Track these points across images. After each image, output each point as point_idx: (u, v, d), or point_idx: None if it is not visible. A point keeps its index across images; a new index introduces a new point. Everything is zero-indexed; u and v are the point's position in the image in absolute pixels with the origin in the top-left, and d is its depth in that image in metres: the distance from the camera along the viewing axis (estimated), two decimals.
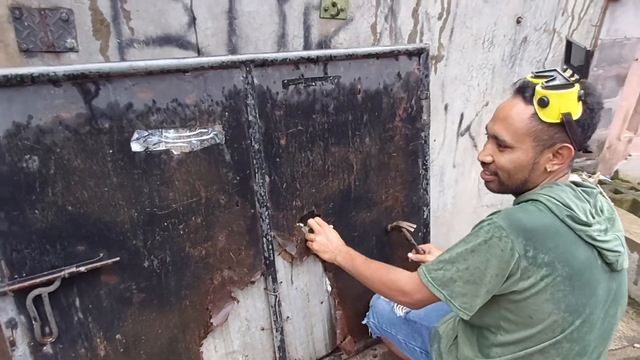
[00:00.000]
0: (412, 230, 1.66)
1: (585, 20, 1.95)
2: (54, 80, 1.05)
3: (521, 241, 0.99)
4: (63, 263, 1.14)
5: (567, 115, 1.02)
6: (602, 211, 1.10)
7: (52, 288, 1.11)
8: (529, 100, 1.06)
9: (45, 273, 1.11)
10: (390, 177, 1.71)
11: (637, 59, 2.83)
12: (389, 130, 1.65)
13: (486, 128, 1.18)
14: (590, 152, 1.09)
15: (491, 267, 1.03)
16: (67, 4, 1.19)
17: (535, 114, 1.05)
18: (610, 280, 1.08)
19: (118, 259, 1.19)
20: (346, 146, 1.56)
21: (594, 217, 1.06)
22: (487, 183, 1.20)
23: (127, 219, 1.21)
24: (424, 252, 1.66)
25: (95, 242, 1.18)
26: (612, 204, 1.20)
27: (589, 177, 2.86)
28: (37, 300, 1.11)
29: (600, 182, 2.89)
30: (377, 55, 1.52)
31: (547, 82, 1.04)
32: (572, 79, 1.04)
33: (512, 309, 1.07)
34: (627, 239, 2.18)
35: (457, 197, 2.11)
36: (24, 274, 1.10)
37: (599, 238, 1.02)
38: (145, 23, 1.28)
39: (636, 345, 1.94)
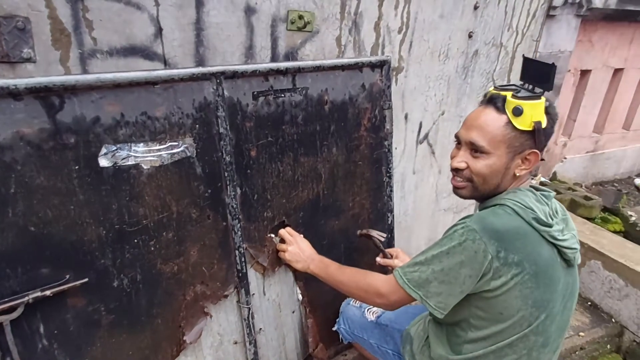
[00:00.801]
0: (383, 239, 1.71)
1: (528, 35, 2.11)
2: (14, 94, 0.99)
3: (493, 243, 1.06)
4: (26, 288, 1.07)
5: (537, 124, 1.11)
6: (557, 212, 1.21)
7: (14, 315, 1.04)
8: (501, 110, 1.13)
9: (6, 300, 1.03)
10: (357, 185, 1.75)
11: (569, 70, 3.10)
12: (355, 140, 1.69)
13: (456, 136, 1.23)
14: (543, 159, 1.19)
15: (465, 268, 1.09)
16: (24, 12, 1.12)
17: (509, 122, 1.12)
18: (567, 275, 1.18)
19: (86, 280, 1.14)
20: (315, 156, 1.58)
21: (552, 219, 1.15)
22: (458, 190, 1.24)
23: (95, 238, 1.15)
24: (392, 257, 1.71)
25: (60, 264, 1.11)
26: (563, 205, 1.32)
27: (532, 178, 3.08)
28: None
29: (542, 184, 3.12)
30: (342, 67, 1.57)
31: (516, 93, 1.13)
32: (538, 91, 1.14)
33: (483, 306, 1.14)
34: None
35: (417, 202, 2.20)
36: None
37: (559, 237, 1.12)
38: (109, 33, 1.23)
39: (581, 333, 2.11)
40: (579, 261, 1.23)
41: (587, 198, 2.83)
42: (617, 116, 3.55)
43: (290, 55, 1.55)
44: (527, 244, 1.09)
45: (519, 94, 1.13)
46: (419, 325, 1.45)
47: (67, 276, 1.12)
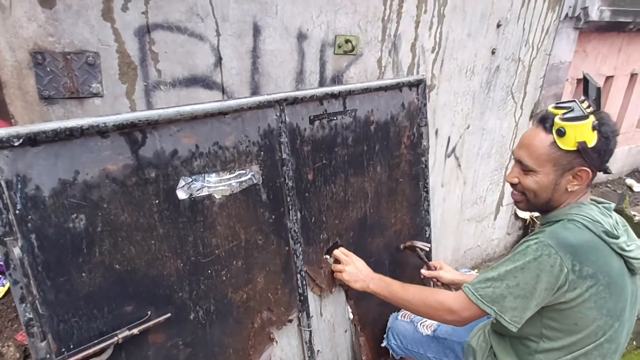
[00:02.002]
0: (427, 249, 1.75)
1: (542, 50, 2.22)
2: (102, 132, 0.98)
3: (569, 257, 1.11)
4: (111, 328, 1.04)
5: (582, 144, 1.16)
6: (618, 224, 1.26)
7: (104, 357, 1.01)
8: (549, 130, 1.19)
9: (96, 342, 1.01)
10: (398, 201, 1.79)
11: (567, 80, 3.24)
12: (396, 157, 1.73)
13: (512, 153, 1.30)
14: (610, 172, 1.24)
15: (541, 282, 1.13)
16: (94, 47, 1.12)
17: (554, 142, 1.18)
18: (632, 283, 1.24)
19: (169, 315, 1.12)
20: (362, 176, 1.61)
21: (617, 231, 1.21)
22: (517, 203, 1.32)
23: (174, 271, 1.14)
24: (435, 269, 1.74)
25: (142, 300, 1.09)
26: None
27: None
28: None
29: None
30: (385, 88, 1.60)
31: (564, 114, 1.18)
32: (588, 110, 1.20)
33: (557, 317, 1.18)
34: None
35: (445, 214, 2.24)
36: (72, 346, 0.99)
37: (626, 248, 1.17)
38: (172, 65, 1.24)
39: None
40: None
41: None
42: None
43: (337, 79, 1.58)
44: (599, 256, 1.14)
45: (567, 115, 1.17)
46: (479, 337, 1.47)
47: (149, 312, 1.11)
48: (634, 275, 1.24)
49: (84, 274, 0.99)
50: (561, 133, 1.15)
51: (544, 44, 2.21)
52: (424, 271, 1.75)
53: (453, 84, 1.92)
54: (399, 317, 1.74)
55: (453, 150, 2.10)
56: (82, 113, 1.15)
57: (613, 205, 1.28)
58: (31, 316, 0.90)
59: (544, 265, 1.12)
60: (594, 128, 1.13)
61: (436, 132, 1.98)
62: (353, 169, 1.56)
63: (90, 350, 0.99)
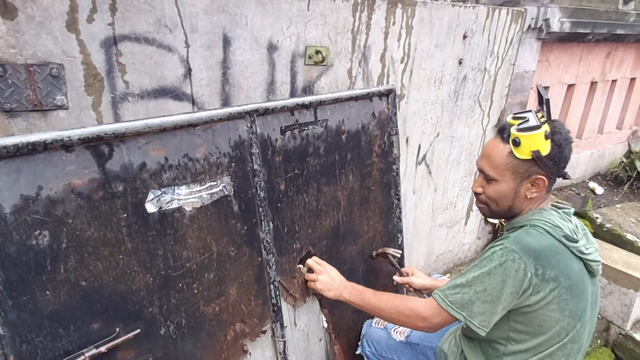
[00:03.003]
0: (399, 256, 1.77)
1: (506, 60, 2.30)
2: (67, 146, 0.96)
3: (532, 262, 1.15)
4: (77, 346, 1.02)
5: (536, 153, 1.21)
6: (577, 228, 1.32)
7: None
8: (506, 140, 1.25)
9: None
10: (370, 209, 1.81)
11: (532, 88, 3.36)
12: (368, 166, 1.75)
13: (476, 164, 1.35)
14: (568, 178, 1.29)
15: (507, 287, 1.16)
16: (58, 58, 1.09)
17: (512, 151, 1.24)
18: (592, 285, 1.29)
19: (139, 330, 1.10)
20: (334, 185, 1.62)
21: (576, 235, 1.26)
22: (480, 209, 1.37)
23: (143, 286, 1.12)
24: (407, 275, 1.77)
25: (110, 316, 1.07)
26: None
27: None
28: None
29: None
30: (356, 98, 1.63)
31: (519, 124, 1.24)
32: (542, 120, 1.25)
33: (523, 320, 1.22)
34: None
35: (417, 220, 2.28)
36: None
37: (585, 252, 1.23)
38: (140, 76, 1.22)
39: None
40: (600, 272, 1.35)
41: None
42: (571, 127, 3.87)
43: (308, 89, 1.59)
44: (560, 260, 1.19)
45: (522, 125, 1.22)
46: (450, 341, 1.50)
47: (117, 329, 1.08)
48: (593, 277, 1.30)
49: (48, 292, 0.96)
50: (516, 143, 1.20)
51: (508, 54, 2.29)
52: (396, 277, 1.77)
53: (422, 93, 1.96)
54: (373, 324, 1.76)
55: (424, 157, 2.14)
56: (46, 126, 1.12)
57: (572, 210, 1.33)
58: None
59: (509, 270, 1.16)
60: (546, 137, 1.19)
61: (407, 140, 2.02)
62: (325, 178, 1.58)
63: None
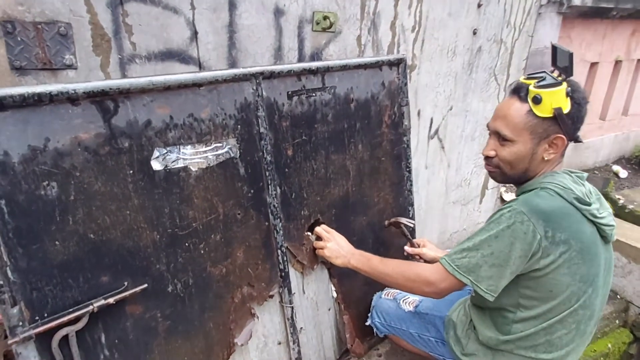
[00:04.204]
0: (412, 226, 1.75)
1: (524, 31, 2.23)
2: (72, 99, 0.97)
3: (541, 223, 1.12)
4: (87, 297, 1.04)
5: (558, 110, 1.17)
6: (591, 192, 1.28)
7: (79, 325, 1.01)
8: (524, 99, 1.21)
9: (71, 310, 1.00)
10: (380, 180, 1.79)
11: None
12: (378, 137, 1.73)
13: (487, 126, 1.31)
14: (581, 141, 1.25)
15: (515, 250, 1.14)
16: (65, 17, 1.11)
17: (531, 110, 1.19)
18: (606, 251, 1.25)
19: (146, 285, 1.12)
20: (343, 153, 1.61)
21: (589, 198, 1.22)
22: (491, 174, 1.34)
23: (150, 243, 1.14)
24: (419, 246, 1.75)
25: (118, 271, 1.09)
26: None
27: None
28: (62, 341, 1.00)
29: None
30: (365, 66, 1.61)
31: (538, 82, 1.20)
32: (560, 78, 1.21)
33: (532, 285, 1.19)
34: None
35: (430, 196, 2.25)
36: (46, 315, 0.98)
37: (598, 215, 1.19)
38: (147, 38, 1.23)
39: None
40: (614, 238, 1.31)
41: None
42: (594, 107, 3.75)
43: (316, 56, 1.58)
44: (571, 222, 1.15)
45: (542, 82, 1.19)
46: (459, 310, 1.49)
47: (126, 283, 1.10)
48: (607, 243, 1.26)
49: (57, 242, 0.99)
50: (537, 100, 1.16)
51: (525, 25, 2.22)
52: (407, 248, 1.76)
53: (434, 65, 1.92)
54: (383, 296, 1.75)
55: (436, 131, 2.11)
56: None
57: (585, 175, 1.29)
58: (1, 282, 0.90)
59: (518, 233, 1.13)
60: (567, 94, 1.15)
61: (418, 113, 1.99)
62: (334, 146, 1.57)
63: (65, 318, 0.99)
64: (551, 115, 1.18)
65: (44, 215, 0.96)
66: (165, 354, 1.21)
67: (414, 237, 1.96)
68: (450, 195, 2.37)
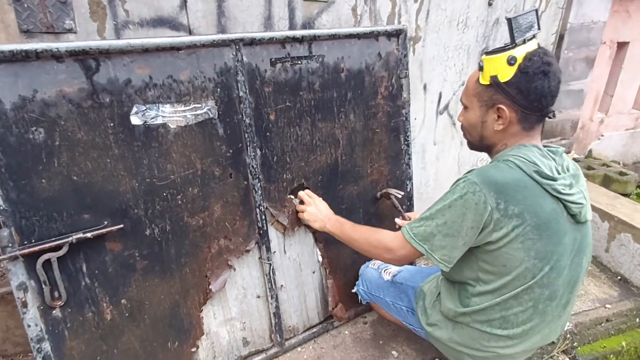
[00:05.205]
0: (400, 196, 1.77)
1: (552, 2, 2.08)
2: (57, 56, 1.12)
3: (493, 195, 1.10)
4: (70, 230, 1.21)
5: (493, 78, 1.14)
6: (567, 169, 1.22)
7: (60, 253, 1.18)
8: (478, 67, 1.20)
9: (53, 239, 1.18)
10: (375, 152, 1.81)
11: (604, 42, 2.98)
12: (372, 108, 1.75)
13: None
14: (550, 117, 1.19)
15: (467, 220, 1.13)
16: None
17: (479, 78, 1.18)
18: (575, 231, 1.20)
19: (122, 226, 1.27)
20: (332, 122, 1.65)
21: (559, 174, 1.17)
22: (466, 142, 1.34)
23: (129, 189, 1.28)
24: (410, 219, 1.76)
25: (99, 211, 1.25)
26: (578, 165, 1.32)
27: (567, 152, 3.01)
28: (47, 265, 1.18)
29: (575, 160, 3.04)
30: (358, 36, 1.62)
31: (493, 49, 1.18)
32: (506, 45, 1.15)
33: (488, 259, 1.18)
34: (598, 209, 2.32)
35: (439, 174, 2.22)
36: (33, 240, 1.17)
37: (563, 191, 1.14)
38: (139, 5, 1.36)
39: (607, 305, 2.08)
40: (589, 217, 1.24)
41: (622, 174, 2.73)
42: None
43: (307, 26, 1.62)
44: (527, 196, 1.11)
45: (490, 49, 1.19)
46: (432, 283, 1.49)
47: (105, 222, 1.26)
48: (579, 222, 1.20)
49: (43, 180, 1.16)
50: (480, 67, 1.17)
51: None
52: (398, 220, 1.77)
53: (442, 37, 1.87)
54: (370, 265, 1.79)
55: (446, 107, 2.06)
56: None
57: (562, 149, 1.23)
58: None
59: (469, 203, 1.13)
60: (509, 62, 1.10)
61: (424, 87, 1.95)
62: (321, 114, 1.61)
63: (47, 245, 1.16)
64: (488, 82, 1.16)
65: (32, 156, 1.13)
66: (143, 290, 1.37)
67: (411, 211, 1.97)
68: (463, 174, 2.31)
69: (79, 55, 1.15)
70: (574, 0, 2.42)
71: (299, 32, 1.47)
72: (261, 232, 1.56)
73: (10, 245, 1.13)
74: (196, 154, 1.38)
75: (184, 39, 1.28)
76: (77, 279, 1.25)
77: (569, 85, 2.79)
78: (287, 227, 1.63)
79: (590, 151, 3.34)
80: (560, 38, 2.47)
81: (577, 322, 1.95)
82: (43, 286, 1.19)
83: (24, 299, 1.17)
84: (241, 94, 1.41)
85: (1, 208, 1.11)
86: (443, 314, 1.37)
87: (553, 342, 1.83)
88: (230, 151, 1.44)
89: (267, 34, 1.42)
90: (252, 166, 1.48)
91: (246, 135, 1.45)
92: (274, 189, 1.57)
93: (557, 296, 1.22)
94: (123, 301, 1.34)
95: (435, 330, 1.39)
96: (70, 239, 1.19)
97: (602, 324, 2.03)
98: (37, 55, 1.09)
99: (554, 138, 2.99)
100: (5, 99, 1.08)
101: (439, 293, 1.42)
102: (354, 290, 1.80)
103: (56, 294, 1.22)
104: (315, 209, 1.58)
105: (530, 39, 1.16)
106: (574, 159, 3.04)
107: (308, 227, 1.68)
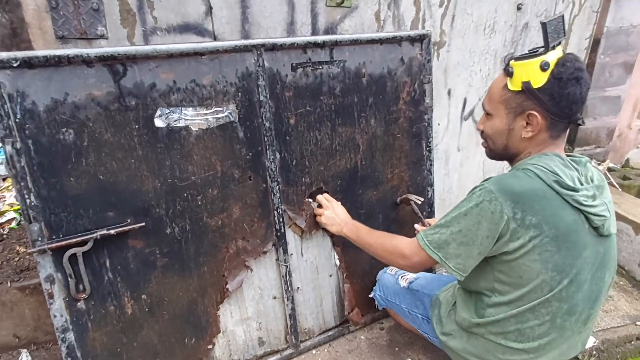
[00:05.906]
0: (420, 202, 1.75)
1: (586, 6, 2.00)
2: (87, 61, 1.18)
3: (510, 204, 1.08)
4: (95, 227, 1.27)
5: (526, 84, 1.11)
6: (592, 180, 1.18)
7: (85, 248, 1.24)
8: (505, 73, 1.17)
9: (79, 234, 1.24)
10: (395, 157, 1.80)
11: None
12: (394, 113, 1.74)
13: None
14: (579, 124, 1.15)
15: (482, 229, 1.11)
16: None
17: (507, 84, 1.15)
18: (598, 244, 1.15)
19: (143, 224, 1.32)
20: (352, 127, 1.65)
21: (582, 184, 1.13)
22: (485, 150, 1.31)
23: (151, 189, 1.33)
24: (429, 225, 1.74)
25: (123, 209, 1.31)
26: (602, 173, 1.27)
27: (599, 164, 2.89)
28: (72, 259, 1.24)
29: (609, 169, 2.91)
30: (380, 41, 1.62)
31: (522, 54, 1.15)
32: (538, 50, 1.12)
33: (504, 270, 1.16)
34: (632, 221, 2.22)
35: (462, 180, 2.18)
36: (61, 235, 1.23)
37: (585, 203, 1.10)
38: (167, 12, 1.41)
39: (638, 323, 1.98)
40: (614, 231, 1.19)
41: None
42: None
43: (330, 31, 1.64)
44: (546, 206, 1.08)
45: (522, 54, 1.15)
46: (448, 292, 1.47)
47: (128, 220, 1.32)
48: (601, 235, 1.15)
49: (72, 179, 1.22)
50: (509, 73, 1.14)
51: None
52: (417, 226, 1.76)
53: (468, 42, 1.85)
54: (388, 271, 1.78)
55: (471, 113, 2.03)
56: None
57: (586, 159, 1.19)
58: (28, 204, 1.15)
59: (485, 212, 1.11)
60: (542, 67, 1.08)
61: (449, 92, 1.93)
62: (341, 119, 1.62)
63: (73, 240, 1.22)
64: (519, 89, 1.13)
65: (62, 155, 1.20)
66: (162, 287, 1.42)
67: (432, 217, 1.95)
68: None
69: (108, 61, 1.20)
70: (612, 4, 2.33)
71: (320, 38, 1.49)
72: (279, 234, 1.58)
73: (39, 239, 1.20)
74: (217, 156, 1.42)
75: (207, 44, 1.32)
76: (101, 274, 1.31)
77: (605, 92, 2.69)
78: (304, 230, 1.65)
79: (627, 160, 3.19)
80: (596, 42, 2.38)
81: (605, 339, 1.87)
82: (69, 279, 1.25)
83: (50, 291, 1.23)
84: (262, 98, 1.44)
85: (32, 204, 1.17)
86: (458, 324, 1.34)
87: (577, 358, 1.77)
88: (250, 154, 1.47)
89: (289, 40, 1.44)
90: (271, 169, 1.51)
91: (266, 139, 1.48)
92: (293, 192, 1.59)
93: (577, 311, 1.18)
94: (143, 296, 1.39)
95: (449, 340, 1.37)
96: (95, 235, 1.25)
97: (632, 342, 1.93)
98: (69, 61, 1.15)
99: (588, 146, 2.88)
100: (39, 101, 1.15)
101: (455, 302, 1.40)
102: (370, 296, 1.80)
103: (81, 287, 1.28)
104: (333, 212, 1.59)
105: (558, 44, 1.14)
106: (609, 169, 2.91)
107: (326, 230, 1.69)
